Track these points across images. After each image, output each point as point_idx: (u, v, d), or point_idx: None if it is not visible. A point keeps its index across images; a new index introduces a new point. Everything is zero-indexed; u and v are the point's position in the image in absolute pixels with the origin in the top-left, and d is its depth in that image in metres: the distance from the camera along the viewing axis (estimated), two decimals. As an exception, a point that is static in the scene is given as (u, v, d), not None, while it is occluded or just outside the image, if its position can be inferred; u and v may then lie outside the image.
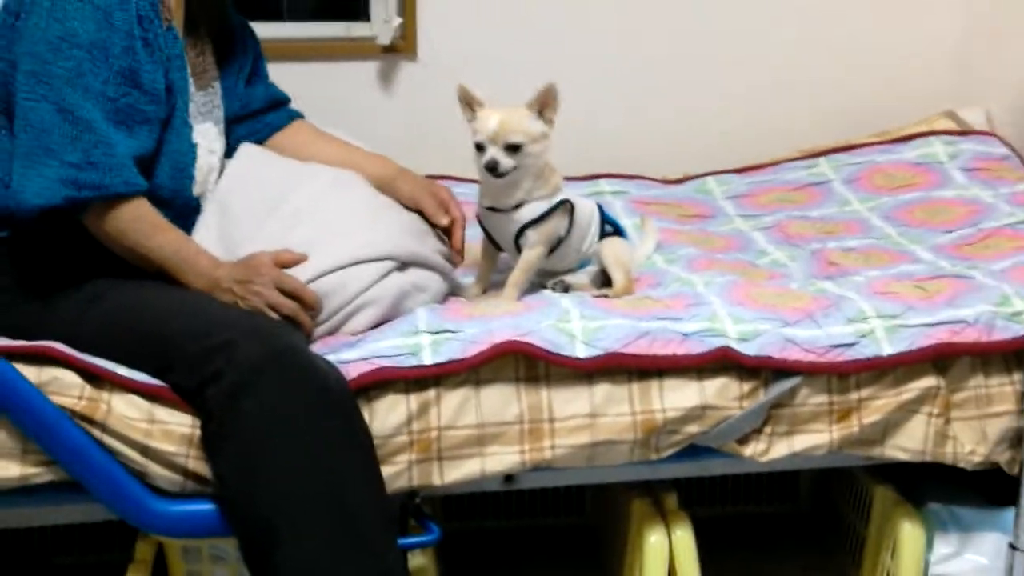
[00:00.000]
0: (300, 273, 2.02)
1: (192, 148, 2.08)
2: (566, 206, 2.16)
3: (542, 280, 2.21)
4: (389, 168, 2.26)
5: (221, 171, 2.19)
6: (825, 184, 2.75)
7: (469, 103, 2.12)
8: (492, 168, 2.08)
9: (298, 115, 2.35)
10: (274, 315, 1.97)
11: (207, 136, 2.13)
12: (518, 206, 2.13)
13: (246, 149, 2.24)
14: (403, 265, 2.10)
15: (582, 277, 2.22)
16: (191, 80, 2.09)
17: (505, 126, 2.07)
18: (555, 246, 2.18)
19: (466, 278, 2.31)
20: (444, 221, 2.20)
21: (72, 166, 1.89)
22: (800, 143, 3.00)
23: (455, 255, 2.21)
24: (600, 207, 2.27)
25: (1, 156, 1.97)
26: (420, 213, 2.21)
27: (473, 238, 2.32)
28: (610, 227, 2.27)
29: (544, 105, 2.08)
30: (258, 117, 2.29)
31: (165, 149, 2.02)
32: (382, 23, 2.98)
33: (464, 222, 2.21)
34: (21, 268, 2.00)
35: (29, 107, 1.90)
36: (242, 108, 2.26)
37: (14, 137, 1.92)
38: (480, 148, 2.09)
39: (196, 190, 2.11)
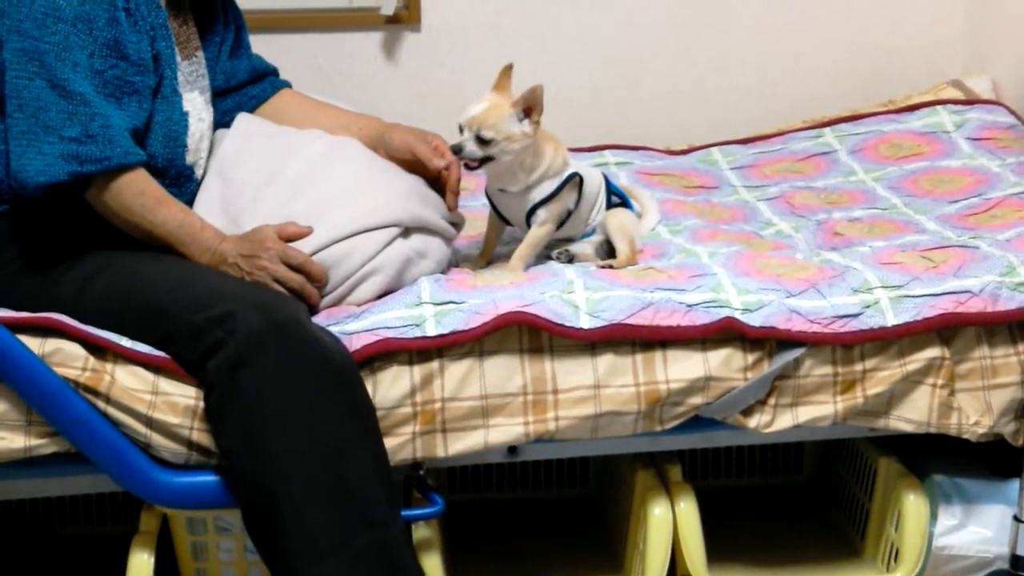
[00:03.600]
0: (304, 245, 2.01)
1: (183, 116, 2.08)
2: (575, 180, 2.15)
3: (547, 250, 2.21)
4: (378, 125, 2.25)
5: (211, 141, 2.18)
6: (830, 154, 2.74)
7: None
8: (456, 151, 2.09)
9: (284, 84, 2.34)
10: (280, 289, 1.97)
11: (195, 104, 2.12)
12: (528, 188, 2.13)
13: (243, 119, 2.23)
14: (406, 231, 2.09)
15: (586, 247, 2.22)
16: (176, 50, 2.08)
17: (482, 118, 2.06)
18: (564, 219, 2.18)
19: (471, 249, 2.30)
20: (440, 163, 2.17)
21: (72, 141, 1.89)
22: (805, 113, 2.99)
23: (451, 197, 2.18)
24: (606, 178, 2.26)
25: None
26: (416, 168, 2.18)
27: (480, 208, 2.32)
28: (616, 198, 2.26)
29: (529, 107, 2.06)
30: (243, 90, 2.28)
31: (156, 119, 2.01)
32: (386, -7, 2.96)
33: (460, 167, 2.18)
34: (22, 241, 2.00)
35: (22, 85, 1.89)
36: (226, 81, 2.25)
37: (7, 116, 1.91)
38: (460, 129, 2.08)
39: (189, 158, 2.10)
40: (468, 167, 2.11)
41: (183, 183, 2.10)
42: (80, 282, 1.97)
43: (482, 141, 2.07)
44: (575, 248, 2.21)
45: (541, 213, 2.14)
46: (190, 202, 2.11)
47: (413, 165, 2.19)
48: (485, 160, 2.09)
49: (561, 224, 2.18)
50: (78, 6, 1.90)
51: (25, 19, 1.89)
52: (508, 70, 2.11)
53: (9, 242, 2.01)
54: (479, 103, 2.08)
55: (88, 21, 1.91)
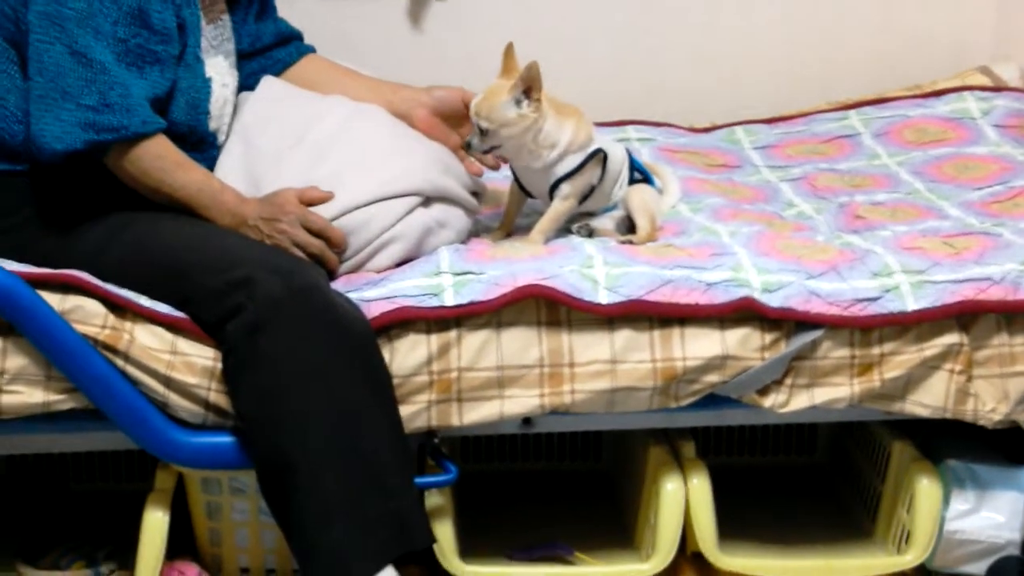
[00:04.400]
0: (325, 210, 2.02)
1: (206, 83, 2.07)
2: (599, 156, 2.15)
3: (568, 223, 2.20)
4: (408, 92, 2.24)
5: (235, 104, 2.18)
6: (855, 137, 2.73)
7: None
8: (466, 148, 2.11)
9: (309, 49, 2.34)
10: (300, 253, 1.98)
11: (219, 69, 2.12)
12: (551, 164, 2.12)
13: (268, 82, 2.23)
14: (427, 201, 2.09)
15: (607, 222, 2.22)
16: (201, 14, 2.08)
17: (478, 109, 2.08)
18: (587, 194, 2.17)
19: (492, 221, 2.30)
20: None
21: (89, 109, 1.89)
22: (831, 95, 2.97)
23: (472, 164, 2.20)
24: (629, 153, 2.26)
25: (14, 92, 1.97)
26: (462, 121, 2.19)
27: (503, 181, 2.32)
28: (638, 174, 2.25)
29: (528, 87, 2.05)
30: (268, 53, 2.28)
31: (179, 86, 2.01)
32: (412, -40, 2.95)
33: None
34: (42, 201, 2.01)
35: (43, 49, 1.89)
36: (251, 44, 2.25)
37: (28, 78, 1.91)
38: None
39: (212, 125, 2.11)
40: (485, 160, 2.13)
41: (205, 148, 2.10)
42: (100, 240, 1.98)
43: (482, 132, 2.08)
44: (595, 223, 2.21)
45: (564, 187, 2.14)
46: (212, 166, 2.11)
47: (458, 119, 2.20)
48: (493, 149, 2.10)
49: (584, 199, 2.18)
50: None
51: None
52: (510, 50, 2.10)
53: (28, 200, 2.01)
54: (478, 96, 2.09)
55: None
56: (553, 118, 2.10)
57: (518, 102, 2.06)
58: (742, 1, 3.05)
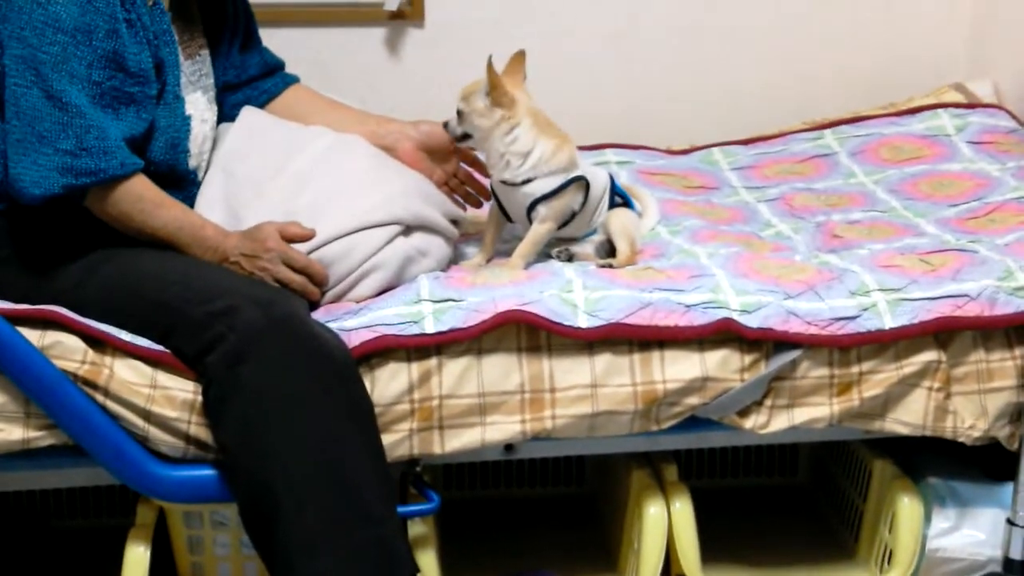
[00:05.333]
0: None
1: (186, 121, 2.07)
2: (580, 183, 2.15)
3: (548, 247, 2.21)
4: (394, 125, 2.26)
5: (215, 140, 2.19)
6: (831, 156, 2.74)
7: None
8: (444, 126, 2.17)
9: (294, 80, 2.34)
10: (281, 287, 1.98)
11: (198, 106, 2.12)
12: (527, 181, 2.13)
13: (248, 113, 2.23)
14: (407, 229, 2.10)
15: (586, 247, 2.22)
16: (180, 51, 2.08)
17: (461, 92, 2.13)
18: (567, 220, 2.18)
19: (471, 247, 2.31)
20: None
21: (67, 153, 1.89)
22: (807, 114, 2.99)
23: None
24: (611, 177, 2.26)
25: None
26: (446, 158, 2.25)
27: (485, 211, 2.32)
28: (619, 198, 2.26)
29: (492, 85, 2.09)
30: (254, 84, 2.28)
31: (158, 125, 2.01)
32: (389, -11, 2.97)
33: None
34: (20, 240, 2.00)
35: (20, 93, 1.89)
36: (237, 76, 2.25)
37: (5, 121, 1.91)
38: None
39: (192, 163, 2.10)
40: (457, 141, 2.18)
41: (185, 186, 2.10)
42: (80, 275, 1.98)
43: (459, 114, 2.12)
44: (575, 248, 2.21)
45: (542, 210, 2.14)
46: (192, 203, 2.11)
47: (442, 156, 2.23)
48: (465, 137, 2.14)
49: (564, 224, 2.18)
50: (79, 17, 1.89)
51: (26, 27, 1.89)
52: (519, 56, 2.15)
53: (6, 240, 2.01)
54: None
55: (88, 32, 1.90)
56: (530, 129, 2.12)
57: (487, 95, 2.10)
58: (718, 24, 3.06)
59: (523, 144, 2.12)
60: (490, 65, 2.08)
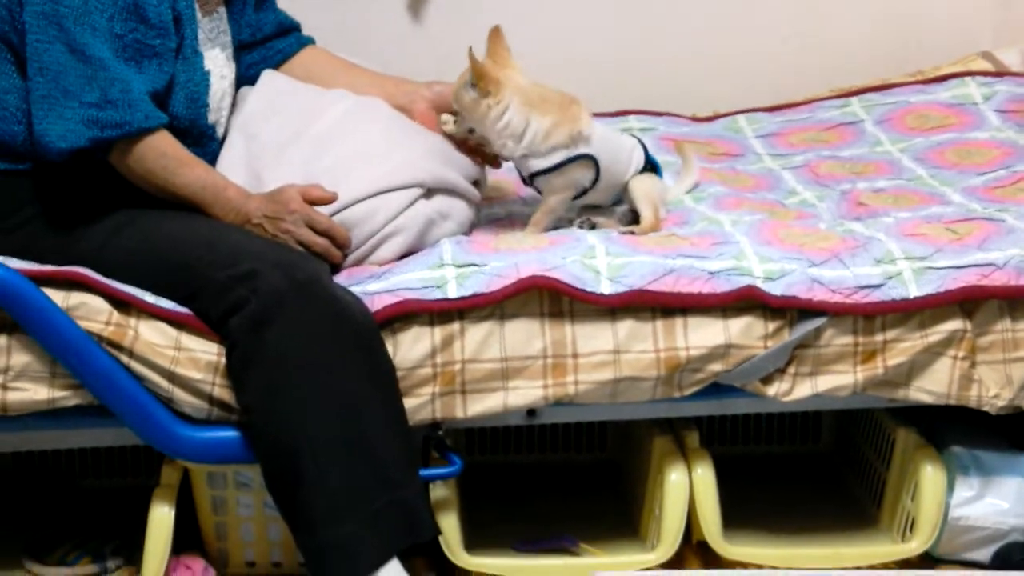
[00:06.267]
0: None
1: (205, 76, 2.07)
2: (585, 161, 2.12)
3: (570, 216, 2.20)
4: (410, 86, 2.25)
5: (234, 97, 2.18)
6: (857, 124, 2.72)
7: None
8: (452, 125, 2.16)
9: (309, 40, 2.34)
10: (303, 250, 1.98)
11: (216, 62, 2.12)
12: (524, 156, 2.11)
13: (269, 76, 2.23)
14: (429, 192, 2.10)
15: (611, 217, 2.21)
16: (197, 7, 2.08)
17: (452, 91, 2.12)
18: (581, 193, 2.16)
19: (493, 210, 2.30)
20: None
21: (92, 106, 1.89)
22: (833, 82, 2.97)
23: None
24: (642, 143, 2.24)
25: (12, 92, 1.97)
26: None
27: (505, 173, 2.32)
28: (646, 164, 2.24)
29: (477, 76, 2.06)
30: (269, 44, 2.28)
31: (177, 79, 2.01)
32: (412, -47, 2.96)
33: None
34: (44, 200, 2.01)
35: (42, 49, 1.89)
36: (252, 35, 2.25)
37: (28, 78, 1.91)
38: None
39: (211, 118, 2.11)
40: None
41: (205, 142, 2.10)
42: (104, 237, 1.98)
43: (455, 114, 2.12)
44: (598, 217, 2.20)
45: (543, 184, 2.13)
46: (213, 160, 2.11)
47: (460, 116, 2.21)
48: (471, 131, 2.13)
49: (582, 194, 2.17)
50: None
51: None
52: (494, 33, 2.11)
53: (31, 199, 2.01)
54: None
55: None
56: (519, 109, 2.08)
57: (473, 86, 2.07)
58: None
59: (515, 125, 2.08)
60: (471, 54, 2.05)
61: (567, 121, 2.10)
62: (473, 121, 2.11)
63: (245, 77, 2.24)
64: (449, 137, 2.19)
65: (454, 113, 2.16)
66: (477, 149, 2.24)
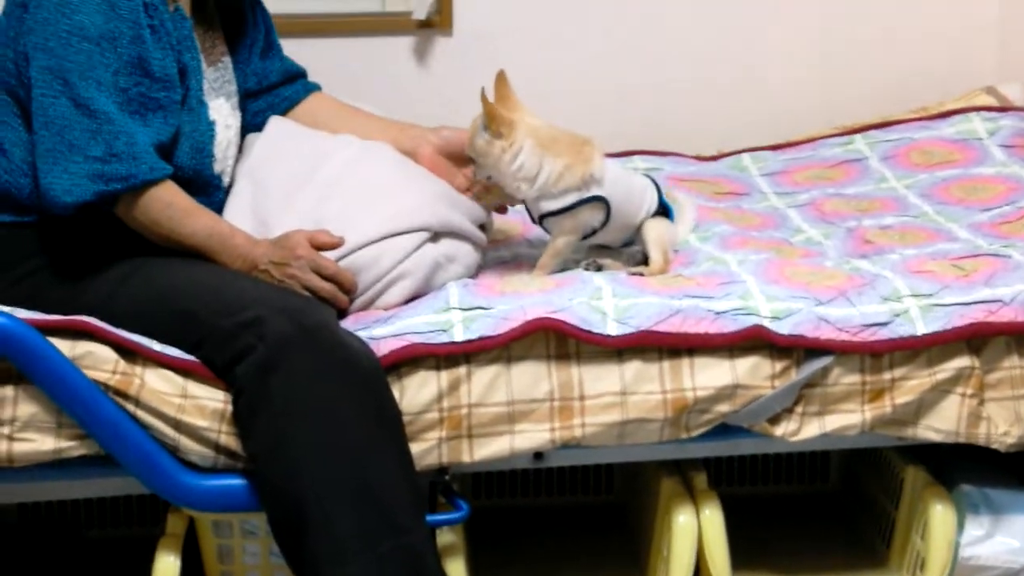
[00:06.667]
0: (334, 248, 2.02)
1: (210, 126, 2.09)
2: (596, 203, 2.13)
3: (576, 254, 2.20)
4: (416, 131, 2.26)
5: (240, 146, 2.20)
6: (861, 161, 2.73)
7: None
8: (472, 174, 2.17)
9: (315, 87, 2.35)
10: (310, 296, 1.98)
11: (221, 112, 2.13)
12: (535, 199, 2.12)
13: (276, 122, 2.24)
14: (435, 236, 2.10)
15: (618, 258, 2.21)
16: (202, 58, 2.09)
17: (468, 140, 2.12)
18: (590, 233, 2.16)
19: (499, 253, 2.30)
20: None
21: (97, 160, 1.90)
22: (837, 119, 2.98)
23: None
24: (656, 184, 2.24)
25: (19, 145, 1.98)
26: (464, 163, 2.23)
27: (513, 215, 2.33)
28: (660, 207, 2.23)
29: (489, 119, 2.07)
30: (275, 91, 2.29)
31: (183, 130, 2.02)
32: (417, -2, 2.98)
33: None
34: (50, 251, 2.02)
35: (48, 103, 1.91)
36: (258, 83, 2.26)
37: (33, 132, 1.93)
38: None
39: (216, 168, 2.12)
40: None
41: (211, 191, 2.11)
42: (110, 287, 1.99)
43: (472, 162, 2.13)
44: (605, 260, 2.20)
45: (552, 226, 2.14)
46: (219, 208, 2.12)
47: (463, 161, 2.22)
48: (490, 178, 2.13)
49: (591, 235, 2.17)
50: (103, 25, 1.91)
51: (51, 37, 1.90)
52: (500, 78, 2.11)
53: (35, 251, 2.02)
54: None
55: (112, 40, 1.92)
56: (532, 151, 2.08)
57: (485, 129, 2.08)
58: (746, 28, 3.06)
59: (528, 168, 2.09)
60: (483, 96, 2.06)
61: (580, 163, 2.10)
62: (487, 165, 2.11)
63: (252, 124, 2.25)
64: (450, 178, 2.20)
65: (470, 161, 2.16)
66: (482, 195, 2.24)
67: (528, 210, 2.19)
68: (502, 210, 2.28)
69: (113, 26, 1.92)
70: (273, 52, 2.30)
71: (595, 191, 2.11)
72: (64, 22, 1.90)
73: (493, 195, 2.22)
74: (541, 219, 2.15)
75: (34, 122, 1.92)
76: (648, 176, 2.29)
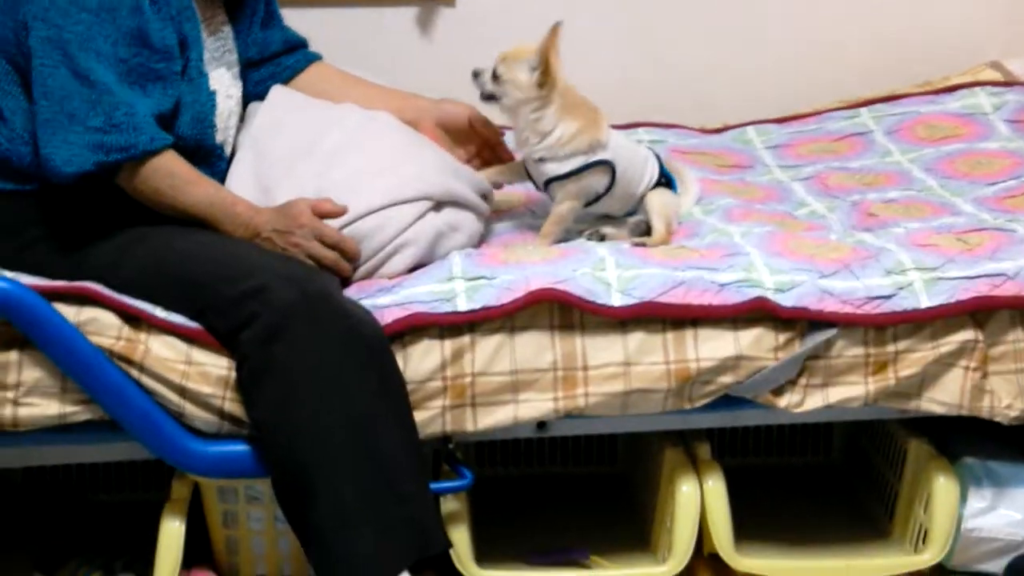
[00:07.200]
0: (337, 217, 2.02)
1: (211, 97, 2.08)
2: (603, 168, 2.14)
3: (579, 224, 2.20)
4: (417, 101, 2.27)
5: (241, 115, 2.19)
6: (866, 135, 2.72)
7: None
8: (475, 74, 2.14)
9: (316, 56, 2.34)
10: (314, 264, 1.98)
11: (222, 81, 2.13)
12: (542, 159, 2.12)
13: (277, 91, 2.24)
14: (438, 205, 2.10)
15: (621, 228, 2.21)
16: (202, 27, 2.08)
17: (505, 55, 2.12)
18: (593, 200, 2.17)
19: (502, 223, 2.30)
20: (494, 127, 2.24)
21: (97, 130, 1.90)
22: (842, 92, 2.97)
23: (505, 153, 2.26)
24: (657, 156, 2.25)
25: (19, 114, 1.98)
26: (464, 139, 2.24)
27: (516, 187, 2.32)
28: (662, 178, 2.24)
29: (544, 64, 2.07)
30: (277, 60, 2.29)
31: (184, 100, 2.01)
32: (421, -32, 2.97)
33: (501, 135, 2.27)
34: (52, 220, 2.02)
35: (47, 73, 1.90)
36: (259, 53, 2.26)
37: (33, 102, 1.92)
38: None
39: (218, 137, 2.11)
40: (482, 98, 2.15)
41: (213, 161, 2.10)
42: (113, 255, 1.99)
43: (495, 77, 2.11)
44: (608, 229, 2.21)
45: (558, 191, 2.14)
46: (222, 178, 2.12)
47: (462, 136, 2.20)
48: (490, 97, 2.13)
49: (593, 202, 2.18)
50: None
51: (50, 7, 1.90)
52: (556, 29, 2.11)
53: (38, 219, 2.02)
54: (507, 49, 2.11)
55: (112, 10, 1.91)
56: (556, 110, 2.10)
57: (532, 69, 2.08)
58: (751, 4, 3.05)
59: (545, 124, 2.11)
60: (552, 43, 2.07)
61: (589, 128, 2.12)
62: (508, 96, 2.11)
63: (253, 94, 2.25)
64: (448, 151, 2.20)
65: (495, 77, 2.13)
66: (483, 168, 2.24)
67: (531, 177, 2.19)
68: (498, 186, 2.27)
69: None
70: (274, 22, 2.29)
71: (601, 155, 2.13)
72: None
73: (497, 172, 2.23)
74: (546, 184, 2.15)
75: (34, 92, 1.92)
76: (649, 148, 2.29)
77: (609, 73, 2.98)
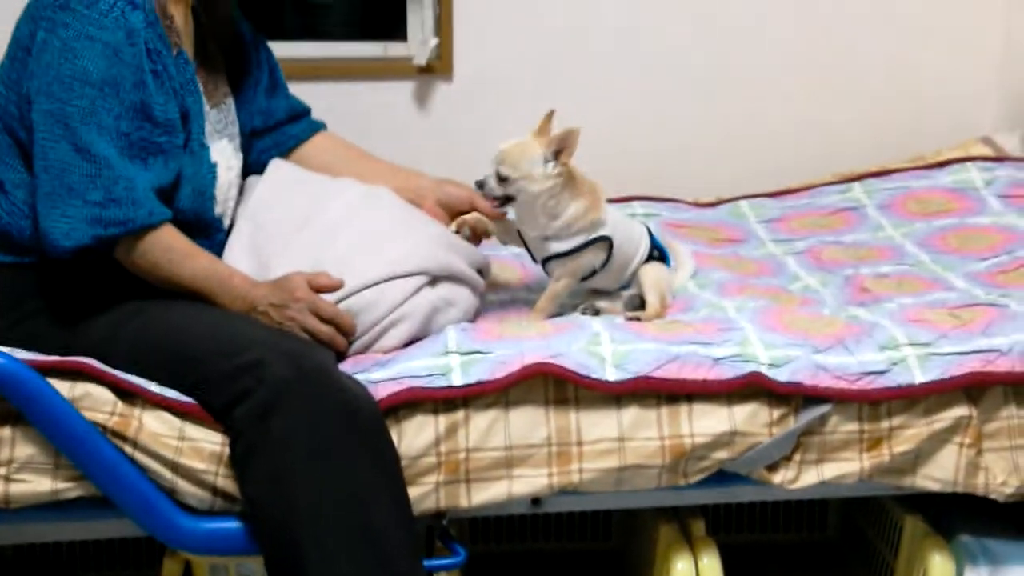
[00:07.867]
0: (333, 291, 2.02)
1: (211, 169, 2.10)
2: (602, 243, 2.15)
3: (573, 299, 2.21)
4: (420, 180, 2.28)
5: (240, 188, 2.20)
6: (859, 209, 2.74)
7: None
8: (479, 186, 2.12)
9: (320, 126, 2.36)
10: (309, 339, 1.98)
11: (223, 154, 2.14)
12: (546, 238, 2.14)
13: (277, 165, 2.25)
14: (434, 280, 2.11)
15: (616, 302, 2.22)
16: (204, 99, 2.10)
17: (505, 154, 2.09)
18: (589, 275, 2.18)
19: (497, 296, 2.31)
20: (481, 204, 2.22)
21: (96, 204, 1.91)
22: (835, 167, 2.99)
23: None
24: (649, 230, 2.26)
25: (21, 187, 1.99)
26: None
27: (508, 257, 2.33)
28: (655, 251, 2.26)
29: (560, 148, 2.08)
30: (281, 129, 2.31)
31: (184, 173, 2.03)
32: (419, 43, 3.00)
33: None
34: (50, 293, 2.02)
35: (48, 147, 1.92)
36: (264, 122, 2.28)
37: (34, 176, 1.94)
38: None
39: (217, 210, 2.12)
40: (495, 206, 2.14)
41: (212, 233, 2.11)
42: (110, 329, 1.99)
43: (500, 178, 2.10)
44: (602, 303, 2.21)
45: (556, 268, 2.15)
46: (220, 250, 2.12)
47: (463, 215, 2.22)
48: (506, 200, 2.11)
49: (588, 277, 2.18)
50: (106, 70, 1.92)
51: (54, 81, 1.91)
52: (549, 116, 2.13)
53: (36, 292, 2.02)
54: (503, 144, 2.10)
55: (115, 85, 1.93)
56: (566, 192, 2.11)
57: (546, 161, 2.08)
58: (744, 76, 3.08)
59: (560, 207, 2.12)
60: (575, 132, 2.06)
61: (594, 206, 2.14)
62: (525, 193, 2.09)
63: (257, 163, 2.26)
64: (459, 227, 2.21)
65: (503, 178, 2.13)
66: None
67: (530, 251, 2.20)
68: (475, 239, 2.27)
69: (116, 71, 1.93)
70: (279, 90, 2.31)
71: (601, 231, 2.14)
72: (67, 67, 1.91)
73: (499, 229, 2.23)
74: (545, 261, 2.16)
75: (35, 165, 1.93)
76: (641, 223, 2.30)
77: (604, 148, 2.97)
